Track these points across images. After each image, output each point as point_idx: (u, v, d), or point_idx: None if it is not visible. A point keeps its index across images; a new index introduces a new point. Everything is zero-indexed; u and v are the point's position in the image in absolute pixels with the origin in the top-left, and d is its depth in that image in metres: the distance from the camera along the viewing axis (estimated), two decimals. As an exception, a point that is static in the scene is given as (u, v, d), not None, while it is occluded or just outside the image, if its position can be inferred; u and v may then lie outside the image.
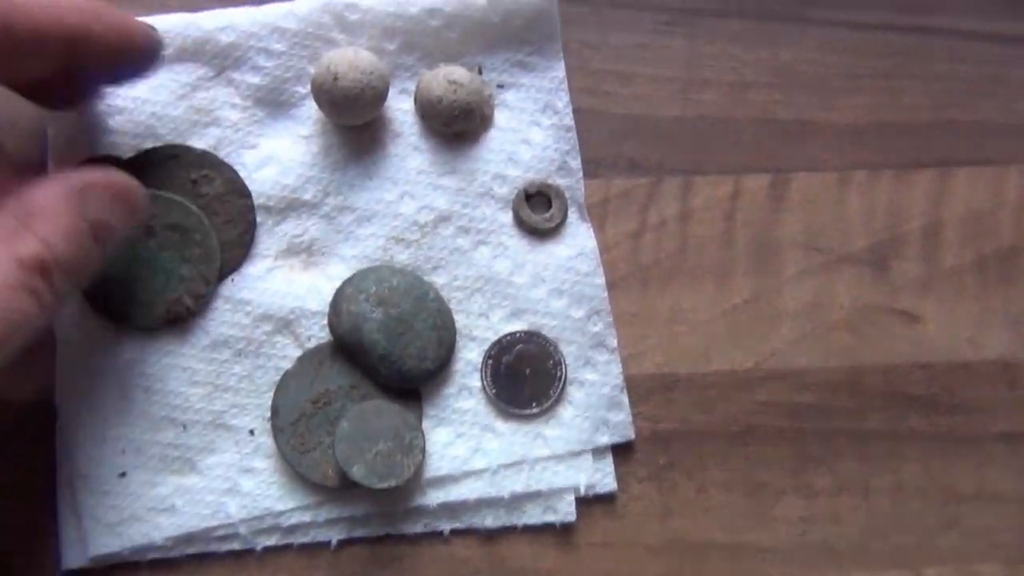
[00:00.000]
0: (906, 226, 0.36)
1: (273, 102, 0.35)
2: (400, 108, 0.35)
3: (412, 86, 0.35)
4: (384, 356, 0.32)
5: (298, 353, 0.33)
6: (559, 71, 0.36)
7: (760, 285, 0.35)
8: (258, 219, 0.34)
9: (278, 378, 0.33)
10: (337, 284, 0.34)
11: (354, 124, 0.34)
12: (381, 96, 0.33)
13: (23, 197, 0.27)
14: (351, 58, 0.32)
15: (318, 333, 0.33)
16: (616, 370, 0.34)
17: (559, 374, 0.34)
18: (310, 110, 0.35)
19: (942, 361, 0.35)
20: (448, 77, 0.34)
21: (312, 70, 0.34)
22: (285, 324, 0.33)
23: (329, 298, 0.33)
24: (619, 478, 0.33)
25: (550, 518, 0.33)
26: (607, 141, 0.36)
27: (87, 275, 0.28)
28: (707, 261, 0.35)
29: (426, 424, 0.33)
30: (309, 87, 0.34)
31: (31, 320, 0.26)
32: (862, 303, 0.35)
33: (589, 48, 0.36)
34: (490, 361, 0.34)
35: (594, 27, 0.36)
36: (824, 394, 0.35)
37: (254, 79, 0.34)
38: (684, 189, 0.36)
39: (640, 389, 0.34)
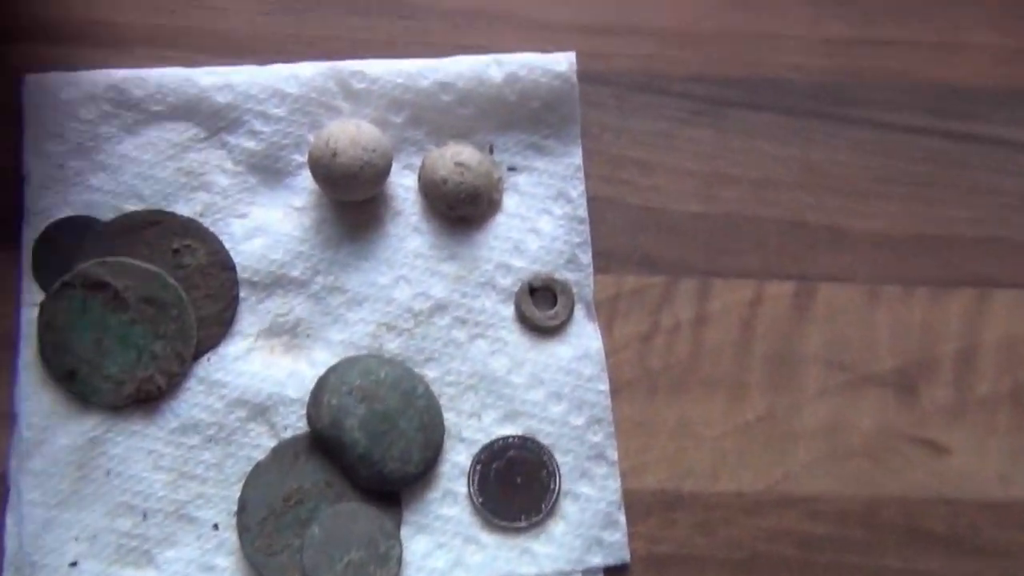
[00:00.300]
0: (938, 348, 0.33)
1: (267, 169, 0.32)
2: (402, 184, 0.33)
3: (417, 162, 0.33)
4: (364, 456, 0.30)
5: (272, 443, 0.31)
6: (576, 157, 0.33)
7: (777, 401, 0.32)
8: (241, 294, 0.31)
9: (249, 469, 0.30)
10: (320, 371, 0.31)
11: (351, 200, 0.32)
12: (382, 175, 0.31)
13: None
14: (352, 133, 0.30)
15: (295, 423, 0.31)
16: (614, 485, 0.31)
17: (552, 485, 0.31)
18: (305, 180, 0.32)
19: (968, 498, 0.32)
20: (455, 158, 0.32)
21: (311, 139, 0.32)
22: (261, 411, 0.31)
23: (310, 386, 0.31)
24: (610, 605, 0.31)
25: (532, 645, 0.30)
26: (621, 234, 0.33)
27: None
28: (721, 371, 0.32)
29: (404, 531, 0.30)
30: (306, 157, 0.32)
31: None
32: (885, 429, 0.32)
33: (609, 132, 0.34)
34: (479, 466, 0.31)
35: (615, 111, 0.34)
36: (838, 525, 0.32)
37: (249, 143, 0.32)
38: (701, 291, 0.33)
39: (639, 506, 0.31)
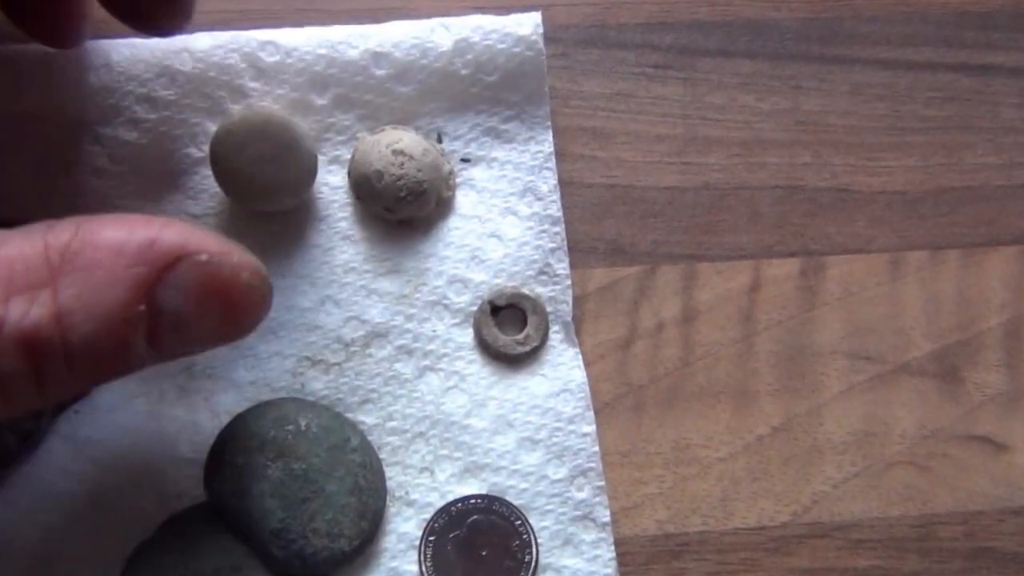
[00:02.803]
0: (981, 323, 0.25)
1: (154, 168, 0.25)
2: (328, 183, 0.25)
3: (346, 153, 0.25)
4: (280, 531, 0.21)
5: (161, 517, 0.22)
6: (545, 144, 0.25)
7: (793, 408, 0.24)
8: (118, 331, 0.23)
9: (129, 552, 0.22)
10: (223, 422, 0.23)
11: (264, 211, 0.24)
12: (305, 178, 0.23)
13: (84, 227, 0.16)
14: (263, 123, 0.23)
15: (191, 490, 0.23)
16: (608, 554, 0.23)
17: (527, 558, 0.22)
18: (205, 181, 0.25)
19: (1041, 504, 0.24)
20: (393, 146, 0.24)
21: (212, 129, 0.24)
22: (145, 476, 0.23)
23: (210, 441, 0.23)
24: None
25: None
26: (582, 220, 0.25)
27: (104, 380, 0.17)
28: (721, 377, 0.24)
29: (338, 624, 0.22)
30: (206, 150, 0.24)
31: None
32: (929, 428, 0.24)
33: (556, 99, 0.26)
34: (432, 538, 0.23)
35: (562, 73, 0.26)
36: (887, 554, 0.23)
37: (129, 135, 0.24)
38: (686, 280, 0.25)
39: (636, 557, 0.23)
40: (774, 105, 0.26)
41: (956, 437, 0.24)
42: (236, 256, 0.18)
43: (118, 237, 0.16)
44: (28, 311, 0.15)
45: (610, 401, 0.24)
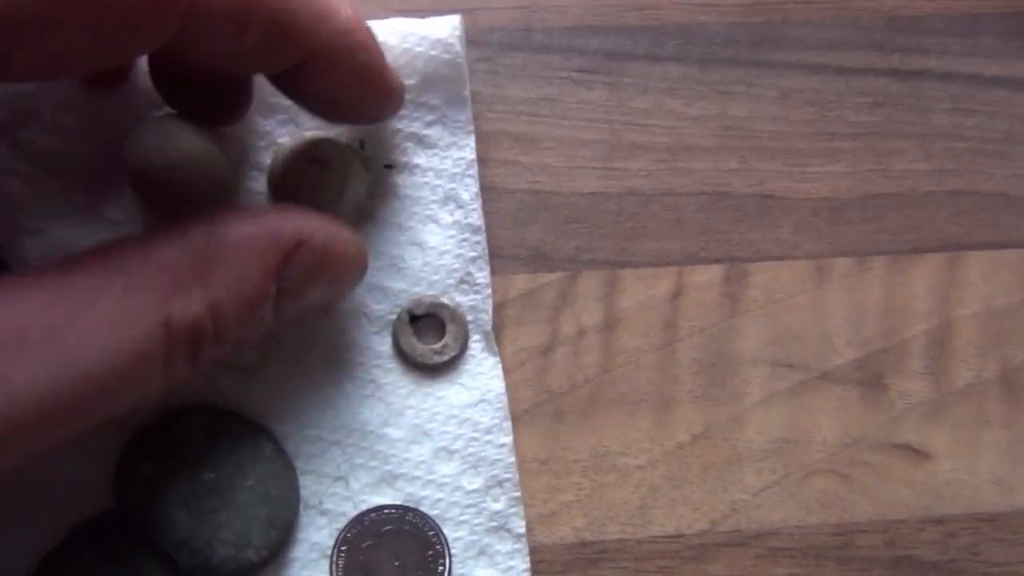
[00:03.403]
0: (906, 331, 0.25)
1: (75, 173, 0.24)
2: (249, 190, 0.24)
3: (267, 160, 0.24)
4: (186, 541, 0.21)
5: (69, 525, 0.22)
6: (467, 150, 0.25)
7: (714, 416, 0.24)
8: (31, 340, 0.23)
9: (36, 561, 0.21)
10: (133, 429, 0.22)
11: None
12: (224, 186, 0.23)
13: (215, 229, 0.19)
14: (171, 130, 0.22)
15: (99, 498, 0.22)
16: (522, 565, 0.23)
17: (440, 569, 0.22)
18: (126, 186, 0.24)
19: (961, 512, 0.24)
20: (310, 153, 0.23)
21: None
22: (53, 483, 0.22)
23: (116, 450, 0.22)
24: None
25: None
26: (504, 225, 0.25)
27: (238, 349, 0.21)
28: (642, 385, 0.24)
29: (248, 635, 0.22)
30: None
31: (147, 392, 0.19)
32: (851, 436, 0.24)
33: (480, 103, 0.25)
34: (344, 548, 0.22)
35: (485, 77, 0.25)
36: (805, 562, 0.23)
37: (49, 141, 0.24)
38: (608, 287, 0.25)
39: (553, 565, 0.23)
40: (701, 110, 0.25)
41: (878, 445, 0.24)
42: (344, 235, 0.21)
43: (247, 233, 0.19)
44: (188, 306, 0.18)
45: (529, 408, 0.24)
